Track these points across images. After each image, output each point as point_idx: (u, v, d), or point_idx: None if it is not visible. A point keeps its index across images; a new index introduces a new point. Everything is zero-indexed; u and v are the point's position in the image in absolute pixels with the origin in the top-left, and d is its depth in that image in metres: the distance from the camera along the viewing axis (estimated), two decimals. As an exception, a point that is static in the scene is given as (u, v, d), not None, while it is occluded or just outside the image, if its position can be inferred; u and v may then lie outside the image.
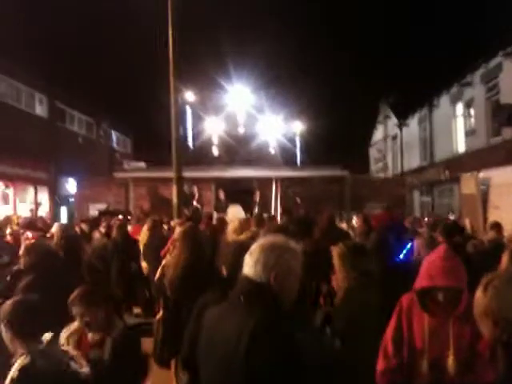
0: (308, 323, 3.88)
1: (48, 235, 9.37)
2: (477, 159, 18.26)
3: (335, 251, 3.88)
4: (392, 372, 3.01)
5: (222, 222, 9.84)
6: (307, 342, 2.35)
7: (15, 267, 5.70)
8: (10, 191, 21.35)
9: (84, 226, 10.94)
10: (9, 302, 3.30)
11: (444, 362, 2.83)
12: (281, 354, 2.11)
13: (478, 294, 2.40)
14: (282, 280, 2.30)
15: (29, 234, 8.64)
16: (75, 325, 3.77)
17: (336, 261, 3.84)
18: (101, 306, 3.78)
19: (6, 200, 21.04)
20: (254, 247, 2.41)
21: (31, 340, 3.14)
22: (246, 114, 32.55)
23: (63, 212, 25.39)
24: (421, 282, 2.96)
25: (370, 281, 3.68)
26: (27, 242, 6.52)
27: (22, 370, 2.95)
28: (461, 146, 21.50)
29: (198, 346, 2.47)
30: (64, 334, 3.68)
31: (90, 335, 3.74)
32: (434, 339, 2.92)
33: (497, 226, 8.47)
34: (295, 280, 2.36)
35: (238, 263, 3.13)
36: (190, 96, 30.60)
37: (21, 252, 5.29)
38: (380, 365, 3.07)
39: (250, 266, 2.34)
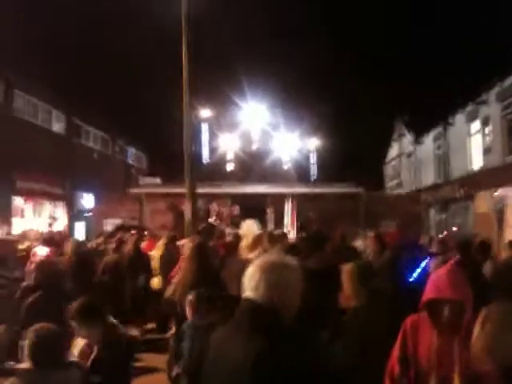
0: (315, 340, 3.87)
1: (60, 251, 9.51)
2: (492, 177, 18.11)
3: (345, 269, 3.90)
4: None
5: (237, 238, 9.84)
6: (314, 360, 2.34)
7: (25, 283, 5.80)
8: (27, 206, 21.59)
9: (99, 241, 11.02)
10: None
11: (451, 380, 2.79)
12: (283, 380, 2.10)
13: (476, 330, 2.46)
14: (283, 298, 2.30)
15: (38, 250, 8.72)
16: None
17: (345, 278, 3.85)
18: (97, 321, 3.82)
19: (22, 215, 21.27)
20: (253, 269, 2.39)
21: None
22: (260, 131, 32.69)
23: (79, 227, 25.59)
24: (428, 294, 2.97)
25: (380, 299, 3.66)
26: (36, 258, 6.61)
27: None
28: (476, 164, 21.37)
29: (204, 364, 2.46)
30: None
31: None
32: (440, 357, 2.88)
33: (512, 245, 8.36)
34: (296, 296, 2.36)
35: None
36: (205, 113, 30.83)
37: (32, 268, 5.40)
38: None
39: (250, 287, 2.34)
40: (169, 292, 6.65)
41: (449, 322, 2.87)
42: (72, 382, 3.29)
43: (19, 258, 8.82)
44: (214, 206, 16.97)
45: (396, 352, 3.08)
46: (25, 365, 3.28)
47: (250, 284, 2.34)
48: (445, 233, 17.54)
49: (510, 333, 2.33)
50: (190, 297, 4.86)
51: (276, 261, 2.42)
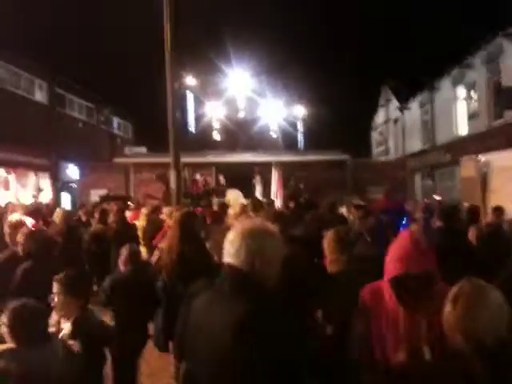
0: (295, 309, 3.92)
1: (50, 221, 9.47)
2: (478, 142, 18.18)
3: (326, 236, 3.95)
4: (371, 370, 2.86)
5: (223, 207, 9.86)
6: (294, 328, 2.35)
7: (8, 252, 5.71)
8: (11, 177, 21.38)
9: (81, 214, 10.97)
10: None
11: (420, 353, 2.70)
12: (269, 342, 2.11)
13: (447, 308, 2.38)
14: (265, 266, 2.29)
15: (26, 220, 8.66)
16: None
17: (325, 245, 3.91)
18: (80, 296, 3.81)
19: (7, 186, 21.08)
20: (234, 235, 2.38)
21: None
22: (246, 99, 32.43)
23: (65, 198, 25.45)
24: (392, 270, 2.78)
25: (361, 265, 3.70)
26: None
27: None
28: (462, 129, 21.42)
29: (186, 334, 2.47)
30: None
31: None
32: (407, 331, 2.77)
33: (498, 210, 8.44)
34: (277, 264, 2.35)
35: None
36: (190, 80, 30.47)
37: (19, 239, 5.32)
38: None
39: (231, 254, 2.32)
40: (154, 259, 6.68)
41: (416, 296, 2.75)
42: (57, 355, 3.28)
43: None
44: (198, 176, 16.88)
45: (360, 329, 2.93)
46: (8, 345, 3.24)
47: (231, 250, 2.33)
48: (426, 200, 17.66)
49: (482, 310, 2.29)
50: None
51: (257, 227, 2.40)
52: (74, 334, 3.61)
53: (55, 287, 3.79)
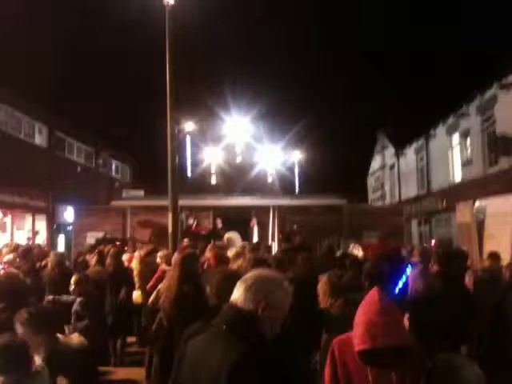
0: (294, 351, 3.90)
1: (43, 263, 9.44)
2: (473, 189, 18.34)
3: (320, 281, 3.94)
4: None
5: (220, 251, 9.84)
6: (291, 371, 2.36)
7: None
8: (8, 219, 21.34)
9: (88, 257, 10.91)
10: None
11: None
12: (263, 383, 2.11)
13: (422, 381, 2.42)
14: (270, 311, 2.31)
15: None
16: None
17: (319, 290, 3.88)
18: (40, 332, 3.77)
19: (3, 228, 21.01)
20: (250, 275, 2.44)
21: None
22: (244, 144, 32.81)
23: (61, 240, 25.33)
24: (361, 343, 2.64)
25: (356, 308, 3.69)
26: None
27: None
28: (457, 176, 21.63)
29: (181, 375, 2.46)
30: None
31: None
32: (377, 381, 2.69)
33: (494, 255, 8.46)
34: (282, 315, 2.38)
35: (224, 293, 3.15)
36: (189, 126, 30.86)
37: None
38: None
39: (240, 292, 2.35)
40: (150, 301, 6.66)
41: (385, 367, 2.66)
42: None
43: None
44: (191, 220, 16.92)
45: (328, 381, 2.86)
46: None
47: (238, 292, 2.36)
48: (423, 245, 17.67)
49: None
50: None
51: (267, 274, 2.47)
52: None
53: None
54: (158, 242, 13.36)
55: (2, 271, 6.05)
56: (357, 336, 2.67)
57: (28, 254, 9.71)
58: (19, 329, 3.76)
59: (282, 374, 2.22)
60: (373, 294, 2.80)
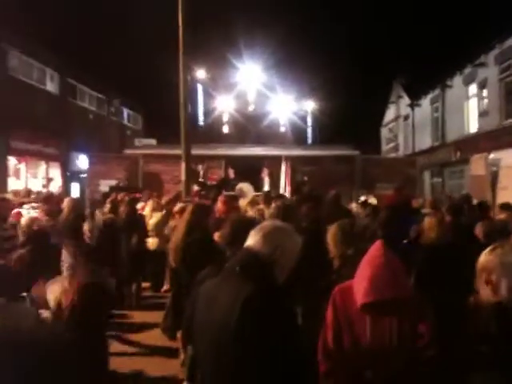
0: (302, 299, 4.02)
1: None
2: (488, 140, 18.13)
3: (329, 230, 3.93)
4: (336, 372, 2.86)
5: (233, 200, 9.90)
6: (296, 316, 2.44)
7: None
8: (23, 166, 21.53)
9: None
10: None
11: (388, 358, 2.71)
12: (271, 325, 2.18)
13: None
14: (283, 257, 2.41)
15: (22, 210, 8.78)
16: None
17: (329, 239, 3.87)
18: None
19: (17, 175, 21.24)
20: (267, 223, 2.60)
21: None
22: (256, 93, 32.44)
23: (74, 188, 25.59)
24: (365, 296, 2.72)
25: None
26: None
27: None
28: (473, 127, 21.33)
29: (194, 319, 2.53)
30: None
31: None
32: (376, 336, 2.76)
33: (509, 207, 8.38)
34: (290, 265, 2.47)
35: (237, 238, 3.21)
36: (201, 74, 30.51)
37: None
38: (322, 366, 2.87)
39: (256, 237, 2.44)
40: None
41: (387, 314, 2.75)
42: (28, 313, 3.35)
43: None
44: (200, 168, 16.90)
45: (329, 330, 2.91)
46: None
47: (257, 236, 2.45)
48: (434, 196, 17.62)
49: None
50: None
51: (286, 226, 2.61)
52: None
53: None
54: (150, 190, 13.60)
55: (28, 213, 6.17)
56: (360, 289, 2.76)
57: (49, 200, 9.90)
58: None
59: (288, 318, 2.32)
60: (376, 247, 2.87)
